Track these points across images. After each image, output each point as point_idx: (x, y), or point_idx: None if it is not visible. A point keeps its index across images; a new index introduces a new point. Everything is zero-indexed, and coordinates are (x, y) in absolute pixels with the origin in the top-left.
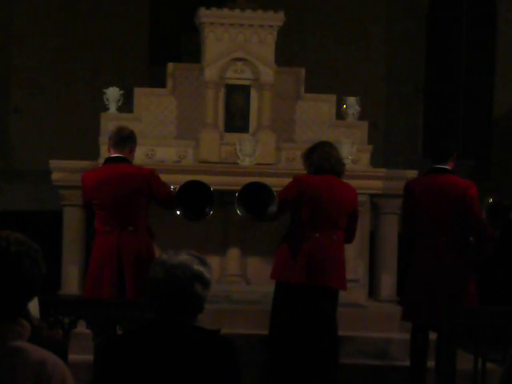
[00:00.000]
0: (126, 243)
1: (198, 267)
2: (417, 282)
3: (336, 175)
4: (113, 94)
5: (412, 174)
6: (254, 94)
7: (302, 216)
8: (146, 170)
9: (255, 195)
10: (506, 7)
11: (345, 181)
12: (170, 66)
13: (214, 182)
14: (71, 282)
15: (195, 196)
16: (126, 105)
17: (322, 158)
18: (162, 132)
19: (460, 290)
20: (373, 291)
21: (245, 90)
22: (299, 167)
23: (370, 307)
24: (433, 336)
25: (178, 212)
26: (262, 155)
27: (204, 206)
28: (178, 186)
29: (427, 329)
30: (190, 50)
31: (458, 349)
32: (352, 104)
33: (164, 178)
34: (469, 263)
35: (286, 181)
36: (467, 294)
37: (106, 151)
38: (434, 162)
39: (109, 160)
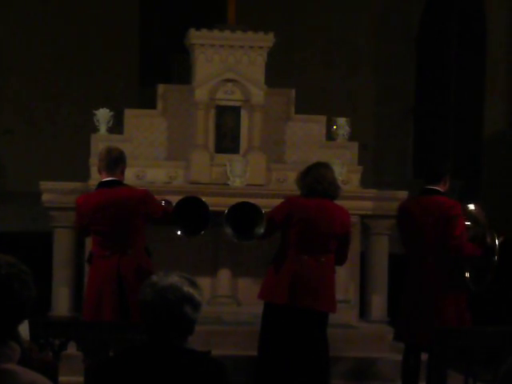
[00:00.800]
0: (127, 267)
1: (188, 289)
2: (408, 303)
3: (329, 198)
4: (103, 115)
5: (402, 194)
6: (244, 114)
7: (290, 237)
8: (140, 192)
9: (244, 215)
10: (496, 27)
11: (338, 203)
12: (161, 87)
13: None
14: (62, 303)
15: (191, 211)
16: (117, 126)
17: (315, 180)
18: (152, 153)
19: (449, 311)
20: (364, 312)
21: (235, 110)
22: (290, 188)
23: (360, 328)
24: (424, 357)
25: (177, 231)
26: (252, 176)
27: (201, 221)
28: (167, 199)
29: (419, 350)
30: (181, 72)
31: (449, 369)
32: (342, 125)
33: (152, 194)
34: (460, 285)
35: (277, 202)
36: (458, 315)
37: (96, 172)
38: (425, 182)
39: (102, 184)
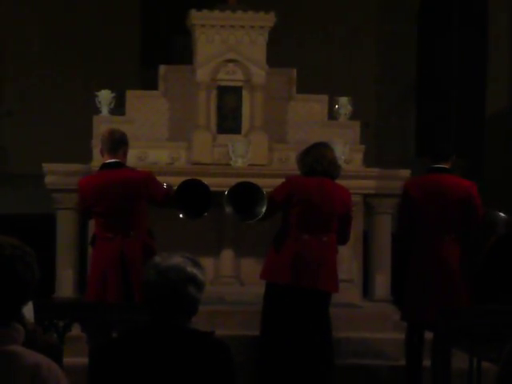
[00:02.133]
0: (130, 249)
1: (191, 269)
2: (418, 283)
3: (330, 177)
4: (105, 96)
5: (405, 173)
6: (245, 95)
7: (291, 217)
8: (143, 174)
9: (245, 195)
10: (497, 4)
11: (339, 183)
12: (162, 68)
13: (207, 183)
14: (65, 285)
15: (193, 194)
16: (118, 107)
17: (315, 159)
18: (154, 134)
19: (460, 289)
20: (367, 291)
21: (237, 91)
22: (292, 168)
23: (364, 307)
24: (429, 335)
25: (180, 214)
26: (254, 156)
27: (203, 203)
28: (170, 184)
29: (423, 328)
30: (182, 52)
31: (454, 348)
32: (344, 104)
33: (155, 176)
34: (466, 263)
35: (279, 181)
36: (464, 293)
37: (98, 154)
38: (433, 161)
39: (105, 166)
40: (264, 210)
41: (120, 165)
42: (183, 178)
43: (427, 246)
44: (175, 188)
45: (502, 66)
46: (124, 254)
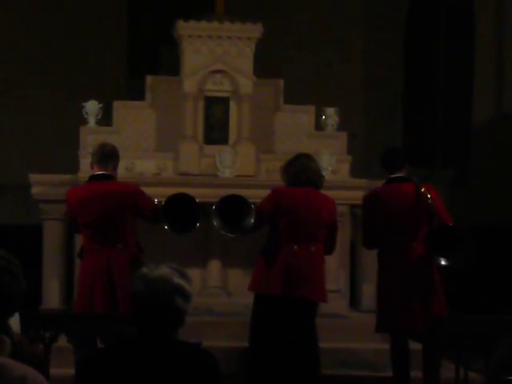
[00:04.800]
0: (116, 261)
1: (178, 280)
2: (389, 291)
3: (314, 187)
4: (92, 107)
5: None
6: (233, 105)
7: (279, 228)
8: (130, 187)
9: (232, 208)
10: (484, 12)
11: (323, 192)
12: (149, 78)
13: (194, 194)
14: (52, 296)
15: (181, 209)
16: (105, 118)
17: (299, 170)
18: (141, 144)
19: (430, 294)
20: (354, 301)
21: (224, 101)
22: (279, 178)
23: (351, 317)
24: (417, 346)
25: (166, 226)
26: (241, 167)
27: (191, 219)
28: (162, 200)
29: (405, 335)
30: (169, 63)
31: (441, 358)
32: (331, 115)
33: (144, 190)
34: (438, 268)
35: (266, 192)
36: (439, 298)
37: (85, 165)
38: (389, 172)
39: (93, 178)
40: (252, 222)
41: (108, 177)
42: (170, 189)
43: (395, 255)
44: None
45: (488, 75)
46: (111, 266)
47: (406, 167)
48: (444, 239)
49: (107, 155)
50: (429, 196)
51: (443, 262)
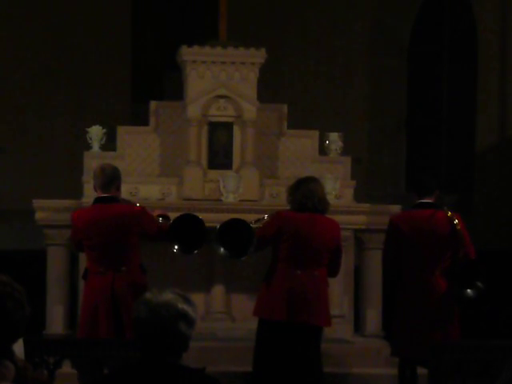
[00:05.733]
0: (121, 284)
1: (182, 306)
2: (407, 318)
3: (319, 212)
4: (96, 132)
5: (396, 208)
6: (236, 130)
7: (281, 252)
8: (135, 209)
9: (234, 232)
10: (487, 40)
11: (328, 216)
12: (153, 103)
13: None
14: (56, 321)
15: (188, 229)
16: (109, 143)
17: (304, 196)
18: (145, 170)
19: (449, 323)
20: (358, 326)
21: (228, 126)
22: (283, 203)
23: (355, 342)
24: (421, 371)
25: (175, 248)
26: (245, 192)
27: (197, 238)
28: (164, 220)
29: (415, 363)
30: (173, 88)
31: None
32: (335, 140)
33: (148, 211)
34: (456, 297)
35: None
36: (454, 327)
37: (89, 190)
38: (418, 196)
39: (98, 200)
40: (253, 247)
41: (113, 199)
42: (174, 214)
43: (416, 281)
44: (172, 219)
45: (491, 100)
46: (115, 290)
47: (436, 193)
48: (466, 272)
49: (109, 178)
50: (458, 228)
51: (471, 294)
